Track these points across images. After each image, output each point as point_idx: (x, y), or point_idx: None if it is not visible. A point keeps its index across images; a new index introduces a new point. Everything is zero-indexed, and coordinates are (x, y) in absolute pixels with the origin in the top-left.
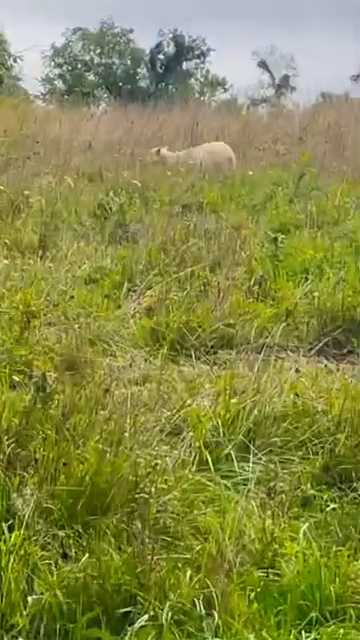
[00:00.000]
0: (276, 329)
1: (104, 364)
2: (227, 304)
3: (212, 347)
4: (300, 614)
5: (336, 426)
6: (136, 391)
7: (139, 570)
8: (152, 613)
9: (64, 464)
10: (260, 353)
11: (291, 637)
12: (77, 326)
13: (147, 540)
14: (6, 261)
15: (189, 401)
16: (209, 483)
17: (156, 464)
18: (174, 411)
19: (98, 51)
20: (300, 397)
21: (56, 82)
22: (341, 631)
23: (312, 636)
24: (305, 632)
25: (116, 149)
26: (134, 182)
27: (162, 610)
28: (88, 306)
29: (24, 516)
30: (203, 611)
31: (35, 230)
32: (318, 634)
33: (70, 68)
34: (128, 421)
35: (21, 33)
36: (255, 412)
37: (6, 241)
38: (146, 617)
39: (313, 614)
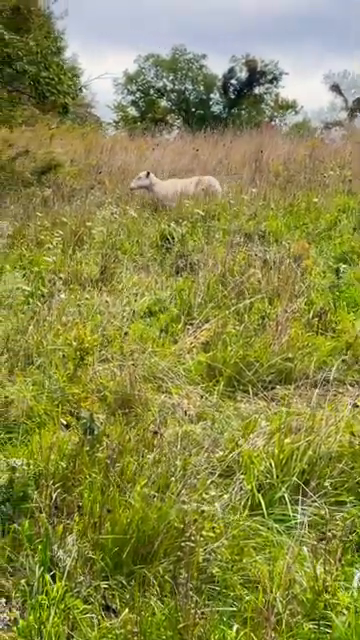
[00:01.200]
0: (335, 363)
1: (158, 401)
2: (285, 337)
3: (270, 382)
4: None
5: None
6: (190, 429)
7: (181, 626)
8: None
9: (108, 511)
10: (318, 388)
11: None
12: (131, 363)
13: (191, 593)
14: (63, 295)
15: (243, 440)
16: (261, 528)
17: (203, 511)
18: (226, 452)
19: (171, 77)
20: (356, 436)
21: (129, 109)
22: None
23: None
24: None
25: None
26: (197, 211)
27: None
28: (144, 341)
29: (65, 567)
30: None
31: (96, 262)
32: None
33: (143, 95)
34: (178, 463)
35: (93, 60)
36: (310, 452)
37: (66, 274)
38: None
39: None
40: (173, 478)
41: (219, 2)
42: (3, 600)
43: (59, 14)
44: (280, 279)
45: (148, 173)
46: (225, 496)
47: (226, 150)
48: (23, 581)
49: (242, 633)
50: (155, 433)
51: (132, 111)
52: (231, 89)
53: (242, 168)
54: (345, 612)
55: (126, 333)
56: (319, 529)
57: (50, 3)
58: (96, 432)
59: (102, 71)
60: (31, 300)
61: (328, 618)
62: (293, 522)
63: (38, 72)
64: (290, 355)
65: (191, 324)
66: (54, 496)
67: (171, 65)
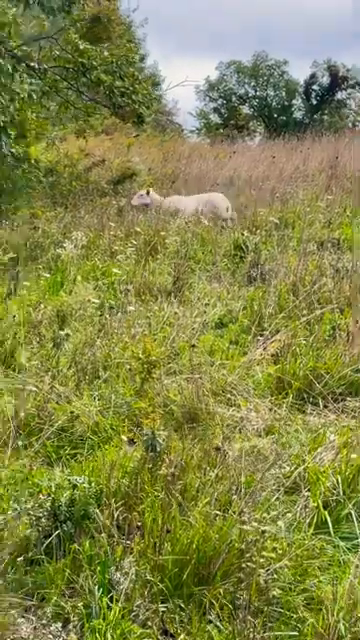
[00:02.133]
0: None
1: (226, 415)
2: (357, 348)
3: (340, 394)
4: None
5: None
6: (256, 444)
7: None
8: None
9: (167, 531)
10: None
11: None
12: (198, 376)
13: (249, 617)
14: (131, 307)
15: (310, 455)
16: (326, 546)
17: (264, 531)
18: (293, 467)
19: (252, 84)
20: None
21: (211, 116)
22: None
23: None
24: None
25: (258, 185)
26: (271, 219)
27: None
28: (213, 353)
29: (122, 590)
30: None
31: (169, 272)
32: None
33: (225, 101)
34: (242, 479)
35: (173, 68)
36: None
37: (138, 285)
38: None
39: None
40: (235, 496)
41: (298, 5)
42: (59, 624)
43: (139, 22)
44: (352, 288)
45: (148, 191)
46: (289, 514)
47: (304, 156)
48: (80, 604)
49: None
50: (217, 449)
51: (215, 118)
52: (313, 95)
53: (319, 175)
54: None
55: (193, 345)
56: None
57: (130, 12)
58: (158, 449)
59: (182, 78)
60: (100, 312)
61: None
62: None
63: (113, 81)
64: None
65: (261, 335)
66: (115, 515)
67: (252, 71)
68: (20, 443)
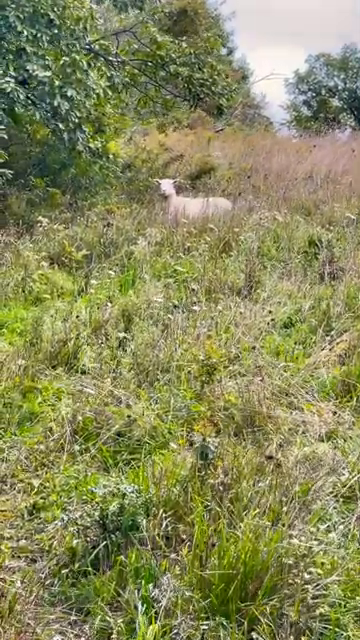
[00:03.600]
0: None
1: (288, 419)
2: None
3: None
4: None
5: None
6: (316, 450)
7: None
8: None
9: (213, 545)
10: None
11: None
12: (259, 379)
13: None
14: (196, 307)
15: None
16: None
17: (311, 547)
18: (352, 474)
19: (342, 76)
20: None
21: (302, 109)
22: None
23: None
24: None
25: (337, 179)
26: (348, 215)
27: None
28: (278, 354)
29: (161, 607)
30: None
31: (242, 269)
32: None
33: (315, 94)
34: (297, 489)
35: (262, 61)
36: None
37: (209, 283)
38: None
39: None
40: (285, 508)
41: None
42: None
43: (226, 16)
44: None
45: (175, 181)
46: (341, 526)
47: None
48: (120, 620)
49: None
50: (270, 458)
51: (305, 111)
52: None
53: None
54: None
55: (254, 347)
56: None
57: (218, 5)
58: (210, 456)
59: (271, 72)
60: (163, 313)
61: None
62: None
63: (192, 74)
64: None
65: (330, 335)
66: (164, 525)
67: (342, 64)
68: (77, 448)
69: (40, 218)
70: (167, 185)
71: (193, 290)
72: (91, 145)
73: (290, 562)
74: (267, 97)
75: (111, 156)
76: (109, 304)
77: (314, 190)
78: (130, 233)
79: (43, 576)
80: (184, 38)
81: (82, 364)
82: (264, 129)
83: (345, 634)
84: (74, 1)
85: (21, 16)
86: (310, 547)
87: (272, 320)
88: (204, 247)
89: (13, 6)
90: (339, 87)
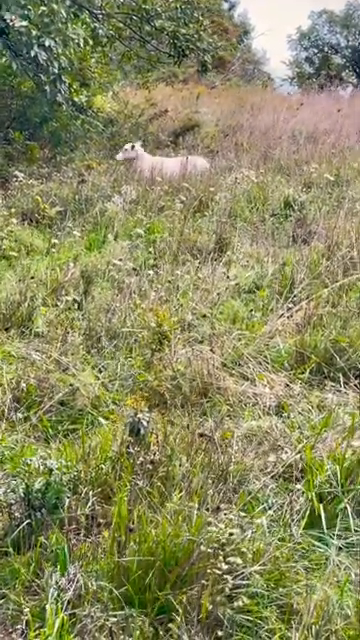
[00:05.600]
0: None
1: (238, 391)
2: None
3: None
4: None
5: None
6: (263, 424)
7: None
8: None
9: (130, 530)
10: None
11: None
12: (209, 348)
13: (198, 635)
14: (150, 271)
15: (315, 439)
16: (317, 543)
17: (231, 534)
18: (294, 452)
19: (345, 33)
20: None
21: (304, 65)
22: None
23: None
24: None
25: (321, 139)
26: (326, 176)
27: None
28: (235, 321)
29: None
30: None
31: (213, 230)
32: None
33: (317, 51)
34: (231, 468)
35: (264, 17)
36: None
37: (177, 244)
38: None
39: None
40: (211, 490)
41: None
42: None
43: None
44: None
45: (133, 146)
46: (275, 509)
47: None
48: (33, 604)
49: None
50: (201, 436)
51: (307, 67)
52: None
53: None
54: None
55: (204, 315)
56: None
57: None
58: (142, 432)
59: (274, 27)
60: (122, 275)
61: None
62: (355, 539)
63: (177, 29)
64: None
65: (292, 302)
66: (89, 504)
67: (345, 21)
68: (18, 416)
69: (16, 173)
70: (127, 152)
71: (164, 250)
72: (75, 99)
73: (209, 550)
74: (268, 53)
75: (94, 110)
76: (71, 264)
77: (297, 149)
78: (106, 190)
79: None
80: None
81: (36, 327)
82: (263, 85)
83: (267, 627)
84: None
85: None
86: (231, 534)
87: (236, 285)
88: (179, 206)
89: None
90: (342, 44)
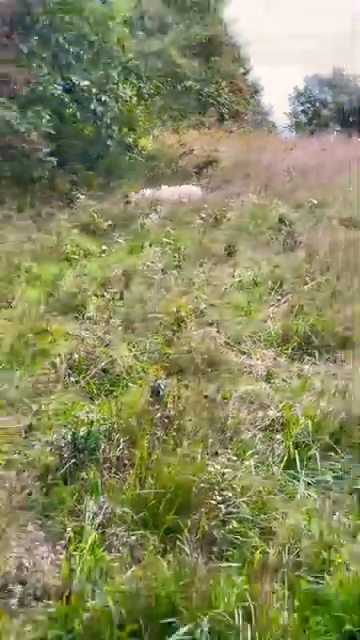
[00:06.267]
0: None
1: (238, 362)
2: (350, 310)
3: (332, 347)
4: (337, 627)
5: None
6: (255, 388)
7: (182, 583)
8: (192, 625)
9: (147, 469)
10: None
11: None
12: (216, 330)
13: (196, 551)
14: (174, 271)
15: (293, 400)
16: (292, 480)
17: (224, 473)
18: (278, 410)
19: (331, 92)
20: None
21: (300, 116)
22: None
23: None
24: None
25: (309, 173)
26: (311, 200)
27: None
28: (237, 309)
29: (93, 523)
30: (241, 622)
31: (224, 240)
32: None
33: (310, 105)
34: (229, 422)
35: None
36: (342, 416)
37: (196, 250)
38: (185, 629)
39: (347, 627)
40: (211, 439)
41: None
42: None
43: (244, 42)
44: (355, 258)
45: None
46: (255, 456)
47: (352, 150)
48: (74, 525)
49: (238, 590)
50: (206, 397)
51: (302, 118)
52: None
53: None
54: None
55: (212, 305)
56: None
57: (236, 34)
58: (161, 394)
59: (279, 87)
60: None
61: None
62: (321, 477)
63: (201, 88)
64: (350, 325)
65: (281, 295)
66: (118, 449)
67: (331, 83)
68: (71, 380)
69: (79, 195)
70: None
71: (187, 255)
72: (124, 140)
73: (208, 486)
74: (274, 106)
75: (139, 149)
76: (116, 265)
77: (290, 179)
78: (144, 209)
79: (25, 485)
80: (211, 58)
81: (88, 312)
82: (268, 131)
83: (251, 544)
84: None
85: (68, 38)
86: (223, 474)
87: (239, 282)
88: (199, 222)
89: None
90: (329, 101)
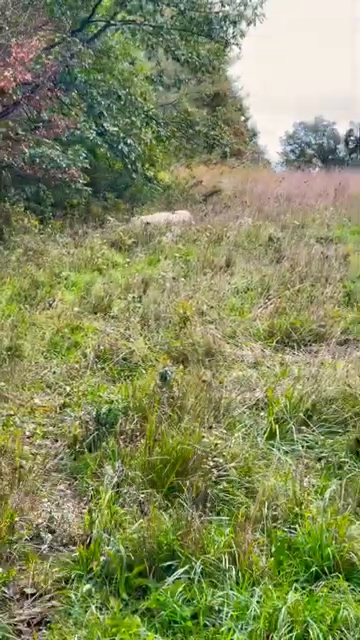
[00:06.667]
0: (355, 328)
1: (232, 353)
2: (322, 311)
3: (308, 341)
4: (305, 568)
5: None
6: (245, 374)
7: (180, 532)
8: (187, 567)
9: (155, 440)
10: (342, 345)
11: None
12: (214, 327)
13: (192, 506)
14: (183, 279)
15: (276, 383)
16: (273, 449)
17: (216, 444)
18: (262, 392)
19: (313, 135)
20: (349, 386)
21: (289, 154)
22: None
23: (309, 587)
24: (306, 583)
25: (293, 200)
26: (294, 222)
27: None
28: (232, 310)
29: (110, 484)
30: (227, 565)
31: (224, 254)
32: (315, 586)
33: (297, 146)
34: (223, 401)
35: (267, 124)
36: (313, 396)
37: (202, 262)
38: (182, 570)
39: (314, 569)
40: (207, 416)
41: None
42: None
43: (245, 94)
44: (331, 269)
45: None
46: (243, 429)
47: (329, 182)
48: (95, 484)
49: (230, 537)
50: (204, 381)
51: (291, 155)
52: (350, 142)
53: (332, 194)
54: (309, 521)
55: (211, 307)
56: (315, 451)
57: (238, 89)
58: (168, 379)
59: (272, 130)
60: (164, 282)
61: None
62: (297, 446)
63: (208, 131)
64: (323, 323)
65: (268, 298)
66: (133, 423)
67: (314, 128)
68: (97, 366)
69: (109, 218)
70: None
71: (194, 267)
72: (146, 174)
73: (203, 453)
74: (268, 147)
75: (158, 180)
76: (137, 274)
77: (278, 205)
78: (161, 229)
79: (58, 452)
80: (217, 108)
81: (112, 312)
82: (263, 167)
83: (238, 501)
84: (137, 81)
85: (100, 92)
86: (216, 444)
87: (235, 288)
88: (205, 239)
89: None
90: (312, 142)
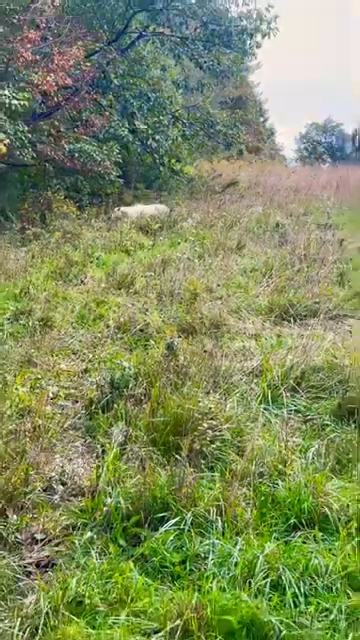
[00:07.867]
0: (344, 305)
1: (236, 326)
2: (317, 289)
3: (304, 316)
4: (285, 520)
5: (350, 376)
6: (246, 344)
7: (173, 487)
8: (179, 518)
9: (157, 403)
10: (333, 320)
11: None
12: (220, 302)
13: (185, 463)
14: (197, 260)
15: (271, 353)
16: (265, 412)
17: (210, 407)
18: (259, 361)
19: (324, 135)
20: (334, 357)
21: (303, 151)
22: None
23: (287, 538)
24: (285, 533)
25: (300, 192)
26: (299, 210)
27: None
28: (239, 287)
29: (116, 442)
30: (215, 517)
31: (236, 238)
32: (292, 536)
33: (310, 144)
34: (223, 368)
35: (285, 123)
36: (303, 365)
37: (216, 245)
38: (174, 521)
39: (292, 520)
40: (205, 383)
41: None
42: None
43: (265, 98)
44: (324, 252)
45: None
46: (238, 395)
47: (330, 176)
48: (107, 441)
49: (219, 491)
50: (205, 352)
51: (304, 153)
52: (357, 141)
53: (336, 186)
54: (289, 478)
55: (218, 285)
56: (302, 414)
57: (259, 93)
58: (174, 348)
59: (289, 130)
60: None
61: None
62: (286, 410)
63: (227, 130)
64: (318, 300)
65: (270, 278)
66: (141, 387)
67: (324, 128)
68: (117, 336)
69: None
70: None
71: (209, 249)
72: (173, 167)
73: (200, 416)
74: (284, 145)
75: (183, 173)
76: (158, 255)
77: (287, 196)
78: (184, 215)
79: (76, 412)
80: (236, 110)
81: (134, 288)
82: (279, 162)
83: (229, 458)
84: (165, 85)
85: (133, 94)
86: (210, 407)
87: (242, 268)
88: (220, 225)
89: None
90: (323, 140)
